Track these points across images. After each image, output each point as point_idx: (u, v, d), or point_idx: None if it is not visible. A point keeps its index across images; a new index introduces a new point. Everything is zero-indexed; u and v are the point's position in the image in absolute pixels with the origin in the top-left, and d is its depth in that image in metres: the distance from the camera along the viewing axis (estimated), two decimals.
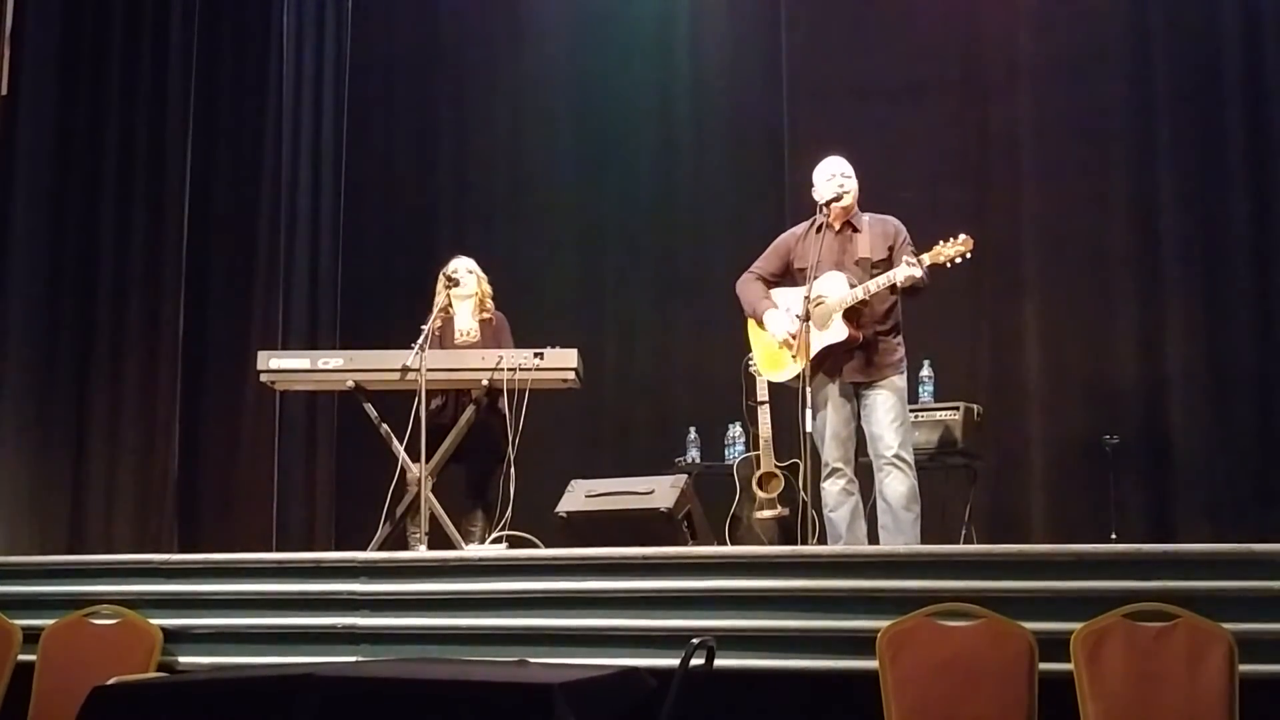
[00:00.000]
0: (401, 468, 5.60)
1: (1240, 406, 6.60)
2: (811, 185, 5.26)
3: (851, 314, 5.04)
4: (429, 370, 5.38)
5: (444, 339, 5.92)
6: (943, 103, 7.28)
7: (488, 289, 6.09)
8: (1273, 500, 6.35)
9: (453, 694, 2.88)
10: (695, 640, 3.24)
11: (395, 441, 5.58)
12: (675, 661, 3.20)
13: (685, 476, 5.54)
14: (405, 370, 5.50)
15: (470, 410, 5.70)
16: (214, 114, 7.67)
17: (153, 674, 4.31)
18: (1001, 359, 7.01)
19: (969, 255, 4.99)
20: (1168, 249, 6.82)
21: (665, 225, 7.72)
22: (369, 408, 5.70)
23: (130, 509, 7.16)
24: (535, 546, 5.06)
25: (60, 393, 7.15)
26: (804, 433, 4.89)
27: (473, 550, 5.21)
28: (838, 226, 5.18)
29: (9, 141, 7.02)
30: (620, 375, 7.58)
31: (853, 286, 5.03)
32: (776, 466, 5.83)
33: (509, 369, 5.51)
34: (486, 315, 6.02)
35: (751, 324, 5.34)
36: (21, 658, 4.50)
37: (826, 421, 5.06)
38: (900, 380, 5.12)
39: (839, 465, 5.06)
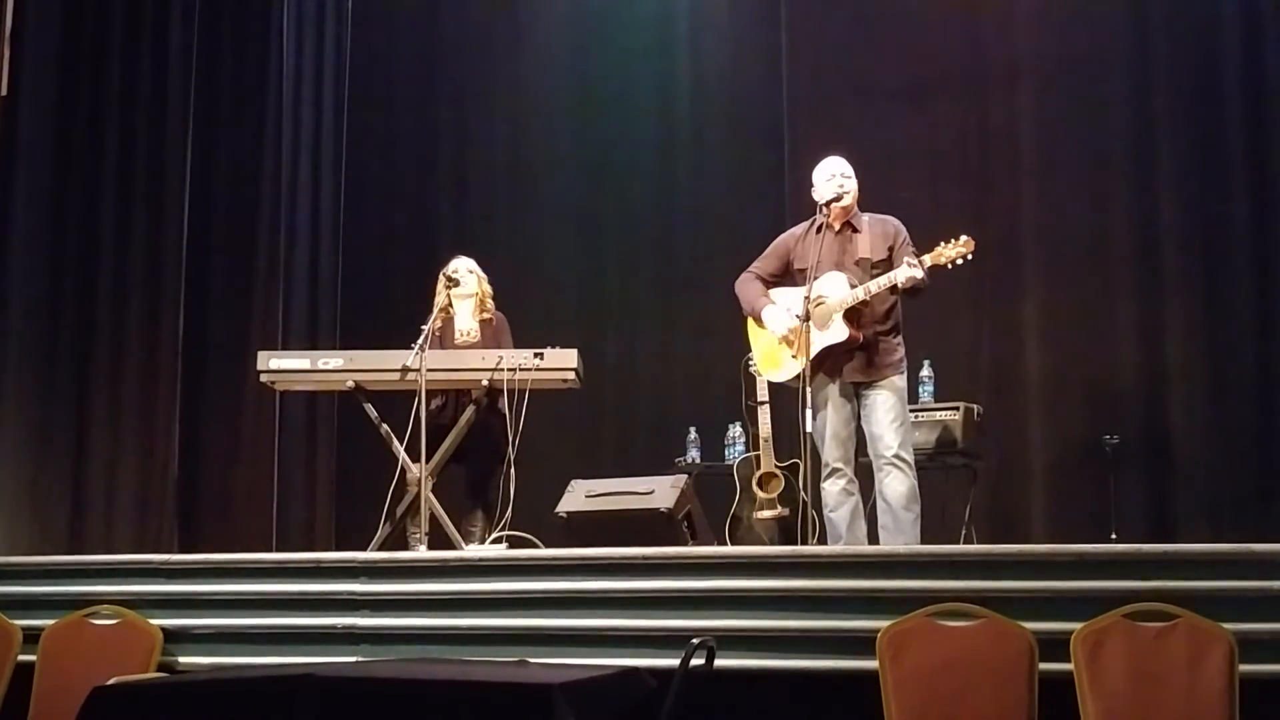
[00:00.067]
0: (401, 468, 5.60)
1: (1240, 406, 6.60)
2: (811, 185, 5.26)
3: (852, 314, 5.04)
4: (429, 370, 5.38)
5: (444, 339, 5.92)
6: (943, 103, 7.27)
7: (488, 289, 6.09)
8: (1273, 500, 6.35)
9: (453, 694, 2.88)
10: (695, 640, 3.24)
11: (395, 441, 5.58)
12: (675, 661, 3.21)
13: (685, 476, 5.53)
14: (405, 370, 5.50)
15: (470, 410, 5.70)
16: (214, 114, 7.67)
17: (153, 674, 4.31)
18: (1001, 359, 7.01)
19: (970, 257, 4.99)
20: (1168, 249, 6.82)
21: (665, 225, 7.72)
22: (369, 408, 5.70)
23: (130, 509, 7.16)
24: (535, 547, 5.06)
25: (60, 393, 7.15)
26: (804, 433, 4.89)
27: (473, 550, 5.21)
28: (837, 227, 5.17)
29: (9, 141, 7.02)
30: (620, 375, 7.58)
31: (853, 287, 5.03)
32: (776, 466, 5.83)
33: (509, 369, 5.51)
34: (487, 315, 6.02)
35: (751, 323, 5.34)
36: (21, 658, 4.50)
37: (827, 422, 5.06)
38: (900, 380, 5.12)
39: (839, 465, 5.06)
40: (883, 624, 3.84)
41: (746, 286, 5.33)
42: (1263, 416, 6.55)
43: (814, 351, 4.96)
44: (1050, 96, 7.07)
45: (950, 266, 4.98)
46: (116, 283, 7.33)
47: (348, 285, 8.00)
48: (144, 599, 4.58)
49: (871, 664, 3.81)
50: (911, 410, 5.48)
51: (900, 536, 4.91)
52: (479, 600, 4.34)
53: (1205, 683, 3.58)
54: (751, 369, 5.70)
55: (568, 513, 5.31)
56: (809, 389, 4.90)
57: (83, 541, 6.92)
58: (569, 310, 7.57)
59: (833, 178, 5.18)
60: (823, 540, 5.09)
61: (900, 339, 5.16)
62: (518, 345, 5.83)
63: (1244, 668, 3.59)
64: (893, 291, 5.01)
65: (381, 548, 5.38)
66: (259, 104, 7.77)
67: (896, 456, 4.97)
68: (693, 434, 6.67)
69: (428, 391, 5.41)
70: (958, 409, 6.08)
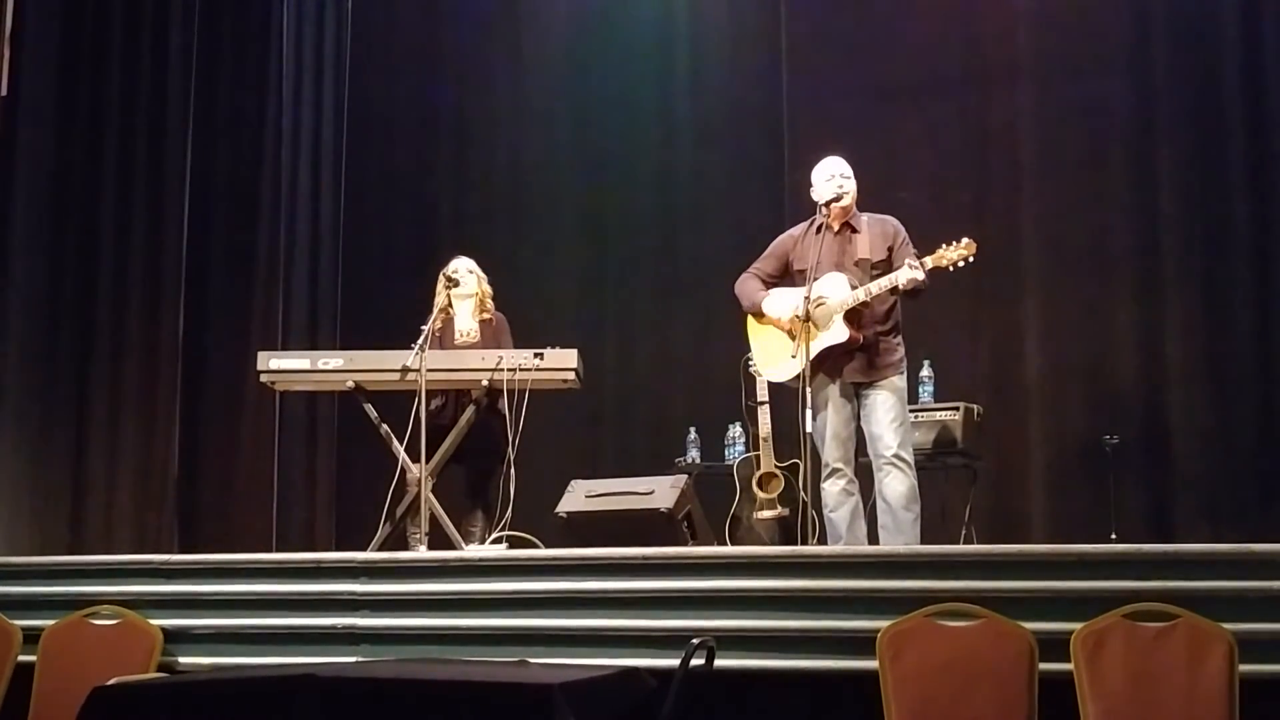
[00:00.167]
0: (401, 468, 5.60)
1: (1240, 406, 6.60)
2: (810, 185, 5.26)
3: (852, 315, 5.03)
4: (429, 370, 5.38)
5: (444, 339, 5.91)
6: (943, 103, 7.27)
7: (488, 289, 6.09)
8: (1273, 500, 6.35)
9: (453, 694, 2.88)
10: (695, 640, 3.24)
11: (395, 442, 5.58)
12: (675, 661, 3.21)
13: (685, 476, 5.53)
14: (405, 370, 5.50)
15: (470, 410, 5.70)
16: (214, 114, 7.68)
17: (153, 674, 4.31)
18: (1001, 359, 7.01)
19: (971, 259, 4.98)
20: (1168, 249, 6.82)
21: (665, 225, 7.72)
22: (369, 408, 5.70)
23: (130, 509, 7.17)
24: (535, 547, 5.06)
25: (60, 393, 7.15)
26: (804, 433, 4.89)
27: (473, 550, 5.20)
28: (837, 227, 5.17)
29: (9, 141, 7.03)
30: (620, 375, 7.58)
31: (854, 288, 5.03)
32: (776, 466, 5.83)
33: (509, 369, 5.51)
34: (486, 315, 6.01)
35: (751, 322, 5.34)
36: (21, 658, 4.49)
37: (827, 422, 5.06)
38: (900, 380, 5.12)
39: (839, 465, 5.06)
40: (883, 624, 3.84)
41: (746, 284, 5.33)
42: (1263, 416, 6.54)
43: (814, 352, 4.96)
44: (1050, 96, 7.07)
45: (952, 269, 4.98)
46: (116, 283, 7.33)
47: (348, 285, 8.01)
48: (144, 599, 4.58)
49: (871, 664, 3.80)
50: (911, 410, 5.48)
51: (900, 536, 4.91)
52: (479, 600, 4.33)
53: (1205, 683, 3.58)
54: (751, 369, 5.70)
55: (568, 513, 5.31)
56: (809, 389, 4.89)
57: (83, 541, 6.93)
58: (569, 310, 7.57)
59: (832, 178, 5.18)
60: (823, 540, 5.09)
61: (900, 339, 5.16)
62: (518, 345, 5.83)
63: (1244, 668, 3.59)
64: (893, 292, 5.01)
65: (381, 548, 5.38)
66: (259, 104, 7.77)
67: (896, 456, 4.97)
68: (693, 434, 6.67)
69: (428, 392, 5.41)
70: (958, 409, 6.08)
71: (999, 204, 7.07)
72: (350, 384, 5.69)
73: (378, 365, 5.66)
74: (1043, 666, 3.69)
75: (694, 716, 3.16)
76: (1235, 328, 6.67)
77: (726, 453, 6.47)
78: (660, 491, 5.24)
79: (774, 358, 5.23)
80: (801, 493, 5.31)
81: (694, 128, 7.77)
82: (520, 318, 6.17)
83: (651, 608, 4.15)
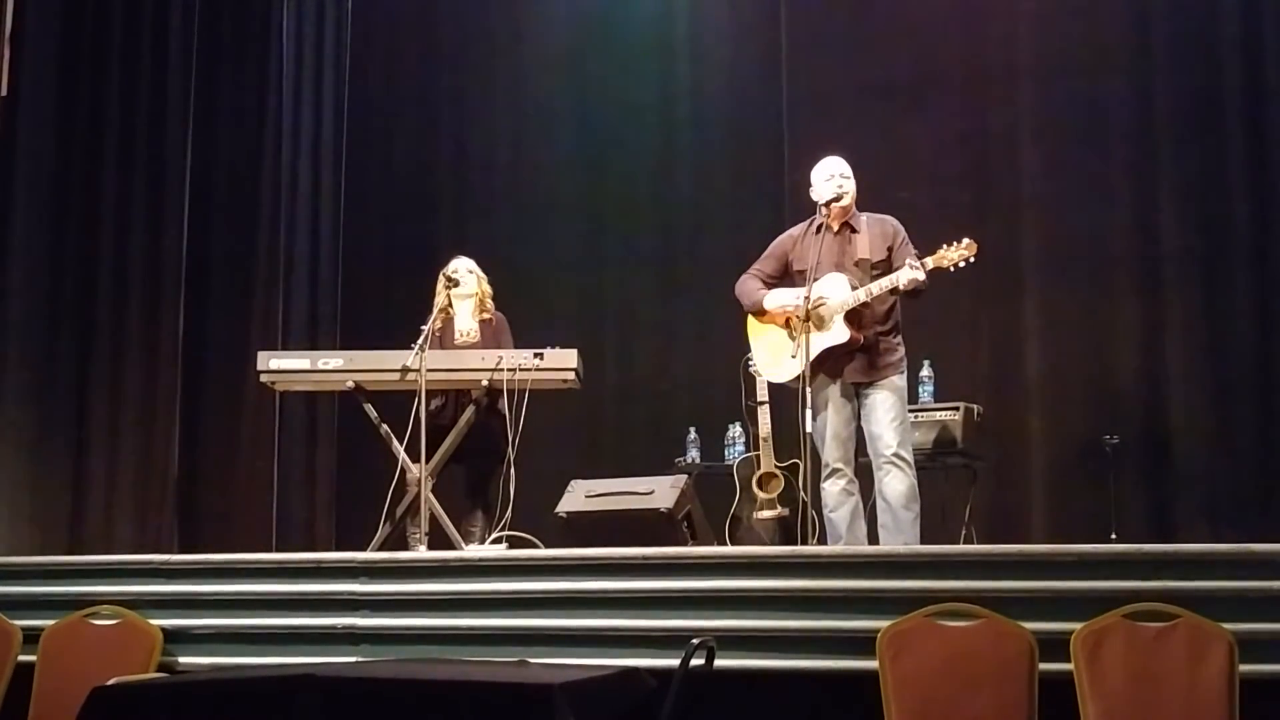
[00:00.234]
0: (401, 468, 5.60)
1: (1240, 406, 6.60)
2: (810, 185, 5.26)
3: (853, 316, 5.03)
4: (429, 370, 5.37)
5: (444, 339, 5.91)
6: (943, 103, 7.27)
7: (488, 289, 6.09)
8: (1273, 500, 6.35)
9: (453, 694, 2.88)
10: (695, 640, 3.24)
11: (395, 442, 5.57)
12: (675, 661, 3.20)
13: (685, 477, 5.53)
14: (405, 370, 5.50)
15: (470, 411, 5.70)
16: (214, 114, 7.68)
17: (153, 674, 4.31)
18: (1001, 359, 7.01)
19: (972, 260, 4.98)
20: (1168, 249, 6.82)
21: (665, 225, 7.72)
22: (369, 408, 5.70)
23: (130, 509, 7.17)
24: (535, 547, 5.06)
25: (60, 393, 7.15)
26: (804, 433, 4.89)
27: (473, 551, 5.20)
28: (836, 227, 5.17)
29: (9, 141, 7.03)
30: (620, 375, 7.58)
31: (854, 288, 5.02)
32: (776, 467, 5.83)
33: (509, 369, 5.51)
34: (486, 315, 6.01)
35: (752, 322, 5.33)
36: (21, 658, 4.49)
37: (827, 422, 5.06)
38: (900, 380, 5.11)
39: (839, 465, 5.06)
40: (883, 624, 3.84)
41: (745, 285, 5.32)
42: (1263, 417, 6.55)
43: (815, 352, 4.95)
44: (1050, 96, 7.07)
45: (953, 270, 4.98)
46: (116, 283, 7.33)
47: (348, 285, 8.01)
48: (144, 599, 4.58)
49: (871, 664, 3.80)
50: (911, 410, 5.48)
51: (900, 536, 4.91)
52: (479, 600, 4.33)
53: (1205, 683, 3.58)
54: (751, 369, 5.70)
55: (568, 513, 5.31)
56: (809, 390, 4.89)
57: (83, 541, 6.93)
58: (569, 310, 7.57)
59: (832, 178, 5.18)
60: (823, 540, 5.08)
61: (900, 339, 5.16)
62: (518, 345, 5.83)
63: (1244, 668, 3.59)
64: (893, 293, 5.01)
65: (381, 548, 5.38)
66: (259, 104, 7.78)
67: (896, 455, 4.96)
68: (693, 434, 6.67)
69: (428, 392, 5.41)
70: (958, 409, 6.08)
71: (999, 204, 7.07)
72: (350, 384, 5.69)
73: (378, 365, 5.66)
74: (1043, 666, 3.69)
75: (694, 716, 3.16)
76: (1235, 328, 6.66)
77: (726, 453, 6.47)
78: (660, 491, 5.24)
79: (775, 359, 5.23)
80: (801, 493, 5.30)
81: (694, 127, 7.77)
82: (520, 318, 6.17)
83: (651, 608, 4.15)
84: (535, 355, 5.58)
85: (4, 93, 6.95)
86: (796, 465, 5.45)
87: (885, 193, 5.59)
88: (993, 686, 3.71)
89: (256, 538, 7.06)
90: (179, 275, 7.40)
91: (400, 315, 6.36)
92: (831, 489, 5.07)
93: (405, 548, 5.38)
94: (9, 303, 7.01)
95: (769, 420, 5.84)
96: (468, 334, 5.98)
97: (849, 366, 5.07)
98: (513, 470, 5.35)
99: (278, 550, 6.55)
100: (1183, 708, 3.59)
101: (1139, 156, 6.93)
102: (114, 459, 7.20)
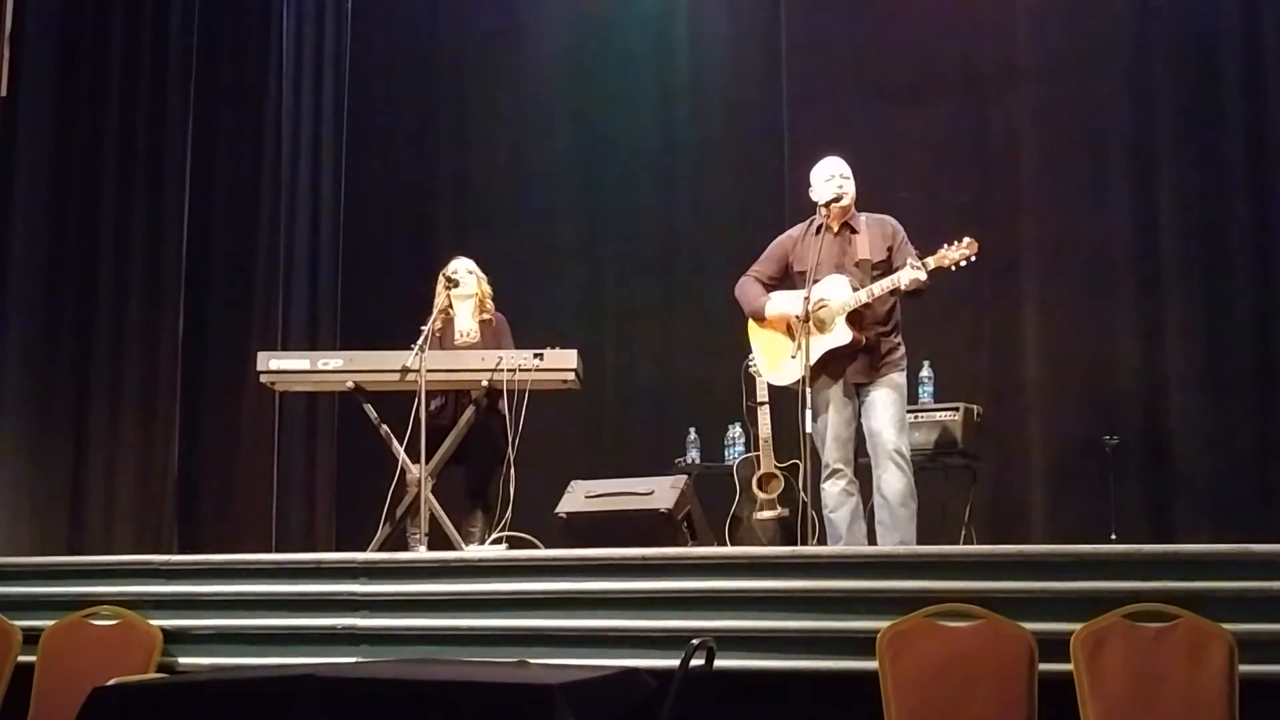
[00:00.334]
0: (401, 468, 5.60)
1: (1240, 406, 6.59)
2: (809, 185, 5.26)
3: (854, 317, 5.03)
4: (429, 371, 5.38)
5: (444, 340, 5.91)
6: (943, 103, 7.27)
7: (488, 289, 6.08)
8: (1273, 500, 6.35)
9: (453, 694, 2.88)
10: (695, 640, 3.24)
11: (395, 442, 5.58)
12: (675, 662, 3.20)
13: (685, 477, 5.54)
14: (405, 371, 5.50)
15: (470, 411, 5.70)
16: (214, 114, 7.68)
17: (153, 675, 4.31)
18: (1001, 359, 7.01)
19: (973, 259, 4.98)
20: (1168, 249, 6.81)
21: (665, 225, 7.72)
22: (369, 409, 5.70)
23: (130, 509, 7.17)
24: (535, 547, 5.06)
25: (60, 393, 7.16)
26: (804, 433, 4.89)
27: (473, 551, 5.20)
28: (836, 228, 5.17)
29: (9, 141, 7.03)
30: (620, 375, 7.58)
31: (854, 289, 5.02)
32: (776, 467, 5.83)
33: (509, 370, 5.51)
34: (486, 316, 6.01)
35: (752, 324, 5.33)
36: (21, 658, 4.50)
37: (828, 423, 5.05)
38: (900, 377, 5.12)
39: (839, 466, 5.06)
40: (883, 624, 3.84)
41: (746, 289, 5.32)
42: (1263, 416, 6.54)
43: (817, 354, 4.95)
44: (1050, 97, 7.06)
45: (954, 269, 4.97)
46: (116, 283, 7.33)
47: (348, 285, 8.00)
48: (144, 599, 4.59)
49: (871, 664, 3.81)
50: (911, 410, 5.48)
51: (896, 533, 4.90)
52: (479, 601, 4.34)
53: (1205, 683, 3.58)
54: (752, 370, 5.70)
55: (567, 513, 5.31)
56: (810, 391, 4.89)
57: (83, 541, 6.93)
58: (569, 310, 7.57)
59: (831, 178, 5.17)
60: (823, 540, 5.08)
61: (900, 337, 5.16)
62: (518, 346, 5.83)
63: (1244, 668, 3.59)
64: (894, 293, 5.01)
65: (381, 548, 5.38)
66: (259, 104, 7.77)
67: (896, 451, 4.96)
68: (693, 434, 6.67)
69: (428, 392, 5.41)
70: (958, 409, 6.08)
71: (999, 204, 7.06)
72: (350, 384, 5.69)
73: (378, 366, 5.66)
74: (1043, 666, 3.69)
75: (694, 717, 3.15)
76: (1235, 328, 6.66)
77: (726, 453, 6.47)
78: (660, 492, 5.24)
79: (776, 361, 5.22)
80: (801, 493, 5.30)
81: (694, 128, 7.76)
82: (520, 318, 6.17)
83: (651, 608, 4.15)
84: (535, 356, 5.58)
85: (4, 93, 6.95)
86: (796, 466, 5.45)
87: (885, 193, 5.58)
88: (993, 687, 3.71)
89: (256, 538, 7.07)
90: (179, 275, 7.41)
91: (400, 316, 6.36)
92: (831, 489, 5.06)
93: (405, 548, 5.38)
94: (9, 303, 7.01)
95: (769, 421, 5.84)
96: (468, 334, 5.98)
97: (850, 368, 5.07)
98: (513, 471, 5.35)
99: (278, 550, 6.55)
100: (1183, 708, 3.59)
101: (1138, 156, 6.93)
102: (114, 459, 7.20)
